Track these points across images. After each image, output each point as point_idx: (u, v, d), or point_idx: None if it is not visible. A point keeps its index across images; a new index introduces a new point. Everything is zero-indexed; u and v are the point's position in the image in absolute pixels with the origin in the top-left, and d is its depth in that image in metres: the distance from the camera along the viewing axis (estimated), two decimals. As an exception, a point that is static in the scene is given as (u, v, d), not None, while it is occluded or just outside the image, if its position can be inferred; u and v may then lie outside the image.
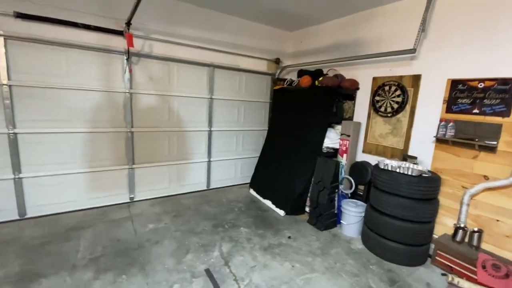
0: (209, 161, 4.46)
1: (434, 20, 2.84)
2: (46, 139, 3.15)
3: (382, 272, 2.59)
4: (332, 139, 3.70)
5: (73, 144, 3.31)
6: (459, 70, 2.68)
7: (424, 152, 3.00)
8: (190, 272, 2.41)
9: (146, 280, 2.28)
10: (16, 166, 3.03)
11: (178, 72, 3.90)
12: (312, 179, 3.60)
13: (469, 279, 2.41)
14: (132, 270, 2.39)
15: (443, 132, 2.74)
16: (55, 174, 3.26)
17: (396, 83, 3.22)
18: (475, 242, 2.55)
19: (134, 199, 3.86)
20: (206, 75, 4.16)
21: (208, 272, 2.42)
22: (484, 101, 2.50)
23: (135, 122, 3.68)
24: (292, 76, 4.62)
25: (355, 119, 3.79)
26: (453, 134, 2.69)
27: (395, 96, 3.23)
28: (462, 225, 2.65)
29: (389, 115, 3.32)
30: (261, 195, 4.23)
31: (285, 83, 4.39)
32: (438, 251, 2.69)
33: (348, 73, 3.82)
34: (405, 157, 3.08)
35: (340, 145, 3.70)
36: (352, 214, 3.19)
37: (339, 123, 3.77)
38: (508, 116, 2.37)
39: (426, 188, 2.59)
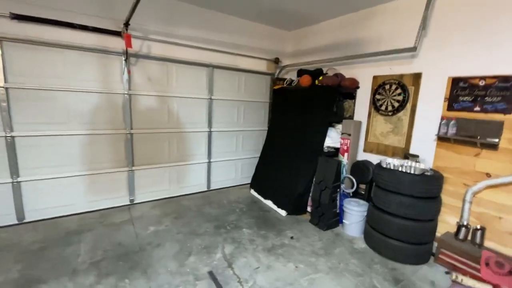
0: (209, 162, 4.43)
1: (435, 18, 2.84)
2: (44, 142, 3.11)
3: (386, 271, 2.59)
4: (333, 138, 3.69)
5: (71, 146, 3.27)
6: (460, 68, 2.68)
7: (425, 151, 2.99)
8: (193, 275, 2.38)
9: (149, 283, 2.25)
10: (14, 169, 2.98)
11: (177, 72, 3.87)
12: (314, 179, 3.59)
13: (473, 276, 2.40)
14: (134, 273, 2.36)
15: (445, 130, 2.74)
16: (53, 178, 3.21)
17: (397, 82, 3.21)
18: (478, 240, 2.55)
19: (134, 202, 3.82)
20: (206, 76, 4.13)
21: (211, 274, 2.40)
22: (486, 98, 2.50)
23: (134, 123, 3.64)
24: (292, 75, 4.61)
25: (356, 118, 3.79)
26: (454, 132, 2.69)
27: (396, 95, 3.23)
28: (464, 223, 2.65)
29: (390, 113, 3.32)
30: (262, 196, 4.22)
31: (285, 82, 4.37)
32: (441, 249, 2.69)
33: (347, 72, 3.81)
34: (406, 155, 3.08)
35: (341, 144, 3.69)
36: (354, 213, 3.18)
37: (339, 122, 3.76)
38: (510, 113, 2.37)
39: (429, 187, 2.59)
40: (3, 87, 2.80)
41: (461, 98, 2.67)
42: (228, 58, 4.27)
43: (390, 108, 3.30)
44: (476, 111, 2.57)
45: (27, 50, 2.88)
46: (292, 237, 3.12)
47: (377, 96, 3.45)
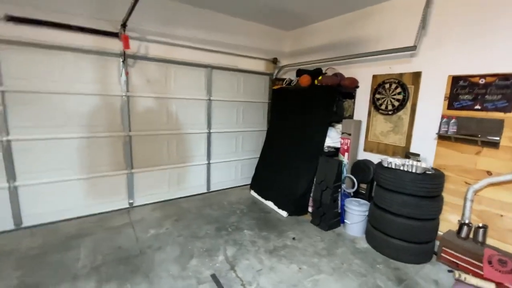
0: (208, 163, 4.40)
1: (434, 17, 2.84)
2: (41, 146, 3.06)
3: (389, 271, 2.58)
4: (333, 138, 3.68)
5: (69, 150, 3.22)
6: (460, 66, 2.69)
7: (426, 149, 3.00)
8: (196, 278, 2.36)
9: (151, 288, 2.22)
10: (10, 174, 2.93)
11: (175, 73, 3.84)
12: (314, 179, 3.58)
13: (476, 275, 2.41)
14: (136, 278, 2.33)
15: (446, 129, 2.75)
16: (51, 181, 3.16)
17: (397, 81, 3.22)
18: (480, 238, 2.55)
19: (134, 205, 3.78)
20: (204, 77, 4.10)
21: (214, 277, 2.37)
22: (486, 97, 2.51)
23: (133, 125, 3.60)
24: (291, 75, 4.60)
25: (355, 117, 3.79)
26: (455, 130, 2.69)
27: (396, 94, 3.23)
28: (466, 221, 2.65)
29: (390, 112, 3.32)
30: (262, 197, 4.20)
31: (284, 83, 4.36)
32: (444, 248, 2.69)
33: (347, 71, 3.81)
34: (407, 154, 3.08)
35: (341, 144, 3.68)
36: (356, 213, 3.18)
37: (339, 122, 3.75)
38: (510, 111, 2.38)
39: (431, 185, 2.59)
40: (-2, 90, 2.75)
41: (461, 97, 2.68)
42: (226, 58, 4.25)
43: (390, 107, 3.31)
44: (477, 110, 2.58)
45: (23, 52, 2.83)
46: (294, 238, 3.10)
47: (377, 96, 3.45)
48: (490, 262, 2.37)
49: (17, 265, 2.44)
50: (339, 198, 3.43)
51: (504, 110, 2.41)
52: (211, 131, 4.31)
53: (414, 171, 2.65)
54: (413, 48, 2.82)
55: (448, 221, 2.85)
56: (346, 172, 3.59)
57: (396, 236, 2.72)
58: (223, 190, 4.62)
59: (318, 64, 4.06)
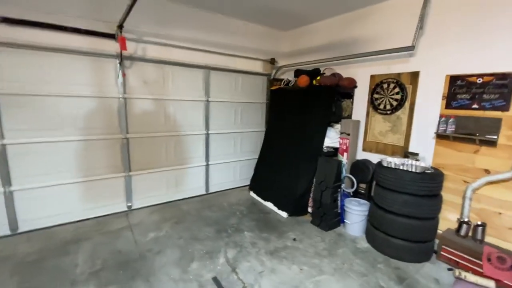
0: (207, 165, 4.37)
1: (431, 16, 2.86)
2: (37, 149, 3.00)
3: (390, 270, 2.59)
4: (332, 138, 3.69)
5: (65, 153, 3.17)
6: (458, 66, 2.71)
7: (425, 149, 3.02)
8: (197, 281, 2.33)
9: (152, 292, 2.20)
10: (5, 178, 2.87)
11: (173, 75, 3.80)
12: (314, 179, 3.58)
13: (475, 272, 2.43)
14: (136, 283, 2.30)
15: (444, 128, 2.77)
16: (47, 186, 3.11)
17: (395, 81, 3.23)
18: (479, 236, 2.57)
19: (132, 208, 3.74)
20: (202, 78, 4.08)
21: (215, 280, 2.36)
22: (483, 96, 2.53)
23: (130, 127, 3.56)
24: (288, 76, 4.59)
25: (354, 117, 3.80)
26: (453, 129, 2.72)
27: (394, 94, 3.24)
28: (465, 220, 2.67)
29: (388, 112, 3.33)
30: (262, 197, 4.18)
31: (282, 83, 4.35)
32: (443, 246, 2.71)
33: (345, 71, 3.82)
34: (406, 154, 3.10)
35: (340, 144, 3.69)
36: (356, 213, 3.18)
37: (338, 122, 3.76)
38: (508, 110, 2.40)
39: (430, 184, 2.60)
40: (-8, 93, 2.70)
41: (459, 96, 2.70)
42: (224, 59, 4.23)
43: (388, 107, 3.32)
44: (474, 109, 2.60)
45: (17, 54, 2.78)
46: (294, 239, 3.09)
47: (375, 95, 3.46)
48: (489, 260, 2.39)
49: (14, 271, 2.39)
50: (339, 198, 3.44)
51: (501, 109, 2.43)
52: (209, 132, 4.29)
53: (413, 170, 2.66)
54: (411, 48, 2.83)
55: (448, 219, 2.87)
56: (345, 172, 3.59)
57: (396, 235, 2.73)
58: (222, 192, 4.60)
59: (316, 64, 4.06)
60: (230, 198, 4.33)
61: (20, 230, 3.02)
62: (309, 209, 3.69)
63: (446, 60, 2.79)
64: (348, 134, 3.61)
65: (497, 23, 2.44)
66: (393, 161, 2.84)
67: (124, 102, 3.45)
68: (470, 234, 2.65)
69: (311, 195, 3.65)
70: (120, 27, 3.13)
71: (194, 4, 3.69)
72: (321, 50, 4.20)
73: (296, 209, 3.66)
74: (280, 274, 2.47)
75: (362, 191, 3.59)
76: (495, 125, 2.47)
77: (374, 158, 3.49)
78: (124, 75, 3.37)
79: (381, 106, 3.41)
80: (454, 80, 2.72)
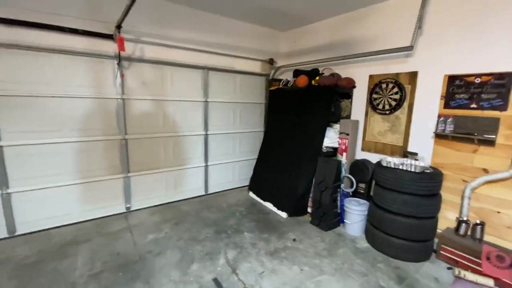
0: (206, 166, 4.36)
1: (430, 16, 2.87)
2: (35, 151, 2.98)
3: (390, 270, 2.59)
4: (331, 138, 3.69)
5: (64, 154, 3.15)
6: (456, 66, 2.72)
7: (423, 148, 3.03)
8: (198, 283, 2.32)
9: (152, 294, 2.18)
10: (3, 181, 2.84)
11: (171, 75, 3.79)
12: (313, 179, 3.58)
13: (474, 271, 2.44)
14: (136, 285, 2.28)
15: (443, 128, 2.78)
16: (45, 187, 3.08)
17: (393, 81, 3.24)
18: (478, 235, 2.59)
19: (131, 209, 3.72)
20: (201, 78, 4.07)
21: (216, 281, 2.35)
22: (482, 95, 2.55)
23: (129, 129, 3.55)
24: (287, 76, 4.59)
25: (353, 117, 3.81)
26: (452, 129, 2.73)
27: (393, 94, 3.25)
28: (464, 219, 2.69)
29: (387, 112, 3.34)
30: (261, 198, 4.18)
31: (281, 83, 4.35)
32: (443, 245, 2.72)
33: (343, 71, 3.82)
34: (405, 153, 3.11)
35: (339, 144, 3.70)
36: (356, 213, 3.19)
37: (337, 122, 3.76)
38: (506, 109, 2.42)
39: (430, 184, 2.61)
40: (-11, 94, 2.67)
41: (457, 96, 2.71)
42: (222, 59, 4.22)
43: (387, 107, 3.33)
44: (473, 108, 2.62)
45: (14, 55, 2.75)
46: (294, 239, 3.09)
47: (374, 95, 3.47)
48: (488, 258, 2.41)
49: (12, 274, 2.37)
50: (339, 198, 3.44)
51: (499, 108, 2.45)
52: (208, 133, 4.27)
53: (413, 170, 2.67)
54: (410, 48, 2.84)
55: (447, 218, 2.88)
56: (344, 172, 3.60)
57: (396, 235, 2.74)
58: (221, 192, 4.59)
59: (314, 65, 4.06)
60: (229, 198, 4.32)
61: (18, 233, 3.00)
62: (309, 209, 3.69)
63: (445, 60, 2.80)
64: (347, 134, 3.61)
65: (495, 23, 2.45)
66: (393, 160, 2.85)
67: (122, 103, 3.43)
68: (469, 233, 2.67)
69: (310, 195, 3.65)
70: (118, 27, 3.11)
71: (192, 5, 3.68)
72: (319, 50, 4.21)
73: (296, 209, 3.66)
74: (281, 275, 2.47)
75: (361, 191, 3.61)
76: (493, 125, 2.49)
77: (373, 158, 3.51)
78: (122, 76, 3.35)
79: (380, 106, 3.42)
80: (452, 80, 2.74)
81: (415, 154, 3.03)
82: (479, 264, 2.44)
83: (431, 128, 2.93)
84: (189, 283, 2.32)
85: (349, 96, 3.80)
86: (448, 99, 2.78)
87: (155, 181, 3.89)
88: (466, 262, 2.54)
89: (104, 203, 3.50)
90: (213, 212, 3.77)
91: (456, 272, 2.45)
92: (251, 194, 4.42)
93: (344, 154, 3.65)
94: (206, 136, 4.27)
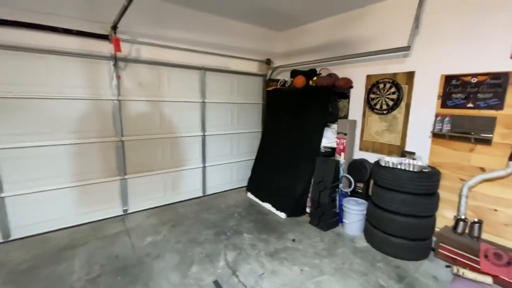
0: (204, 167, 4.34)
1: (426, 17, 2.90)
2: (29, 154, 2.92)
3: (390, 269, 2.60)
4: (329, 138, 3.70)
5: (59, 157, 3.10)
6: (452, 65, 2.75)
7: (421, 148, 3.05)
8: (198, 286, 2.30)
9: (151, 298, 2.16)
10: (-4, 184, 2.79)
11: (168, 76, 3.76)
12: (312, 180, 3.58)
13: (473, 269, 2.47)
14: (135, 288, 2.25)
15: (440, 127, 2.80)
16: (40, 191, 3.03)
17: (391, 81, 3.26)
18: (475, 233, 2.61)
19: (128, 211, 3.68)
20: (198, 79, 4.04)
21: (216, 283, 2.33)
22: (478, 95, 2.57)
23: (125, 130, 3.50)
24: (284, 76, 4.59)
25: (350, 117, 3.82)
26: (449, 128, 2.75)
27: (390, 93, 3.27)
28: (462, 217, 2.71)
29: (384, 112, 3.36)
30: (259, 198, 4.17)
31: (279, 84, 4.35)
32: (441, 244, 2.74)
33: (341, 71, 3.84)
34: (403, 153, 3.13)
35: (337, 144, 3.71)
36: (354, 212, 3.20)
37: (334, 122, 3.77)
38: (502, 109, 2.45)
39: (428, 183, 2.63)
40: (-18, 96, 2.61)
41: (454, 95, 2.74)
42: (219, 60, 4.20)
43: (384, 106, 3.35)
44: (469, 108, 2.64)
45: (7, 56, 2.69)
46: (294, 240, 3.09)
47: (371, 95, 3.49)
48: (486, 256, 2.43)
49: (7, 279, 2.32)
50: (337, 198, 3.45)
51: (496, 108, 2.47)
52: (206, 133, 4.25)
53: (411, 169, 2.68)
54: (407, 48, 2.86)
55: (445, 217, 2.91)
56: (342, 172, 3.61)
57: (395, 234, 2.75)
58: (219, 193, 4.57)
59: (311, 65, 4.06)
60: (228, 199, 4.30)
61: (12, 237, 2.94)
62: (307, 210, 3.69)
63: (441, 60, 2.82)
64: (345, 134, 3.62)
65: (491, 23, 2.48)
66: (391, 160, 2.86)
67: (118, 104, 3.39)
68: (466, 231, 2.69)
69: (309, 195, 3.65)
70: (114, 28, 3.07)
71: (189, 5, 3.66)
72: (317, 50, 4.22)
73: (294, 209, 3.66)
74: (281, 276, 2.46)
75: (360, 191, 3.62)
76: (489, 124, 2.52)
77: (371, 157, 3.52)
78: (119, 77, 3.31)
79: (378, 106, 3.43)
80: (449, 80, 2.76)
81: (413, 153, 3.05)
82: (477, 262, 2.46)
83: (429, 127, 2.95)
84: (189, 286, 2.30)
85: (346, 96, 3.81)
86: (445, 99, 2.81)
87: (152, 183, 3.86)
88: (464, 260, 2.56)
89: (100, 206, 3.46)
90: (212, 214, 3.75)
91: (455, 270, 2.47)
92: (249, 195, 4.41)
93: (342, 154, 3.66)
94: (203, 137, 4.24)
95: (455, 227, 2.74)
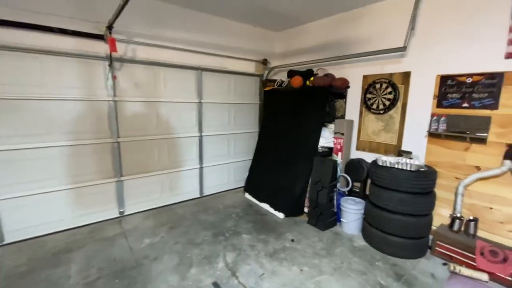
0: (201, 167, 4.31)
1: (422, 18, 2.93)
2: (23, 156, 2.86)
3: (388, 267, 2.63)
4: (326, 138, 3.71)
5: (53, 159, 3.04)
6: (448, 66, 2.79)
7: (417, 147, 3.09)
8: (197, 287, 2.29)
9: (151, 301, 2.13)
10: (-11, 187, 2.73)
11: (164, 76, 3.72)
12: (310, 179, 3.59)
13: (469, 266, 2.51)
14: (134, 291, 2.23)
15: (436, 127, 2.84)
16: (35, 194, 2.97)
17: (387, 81, 3.29)
18: (471, 230, 2.65)
19: (125, 213, 3.63)
20: (194, 79, 4.02)
21: (216, 285, 2.32)
22: (473, 95, 2.61)
23: (121, 131, 3.46)
24: (281, 76, 4.59)
25: (347, 117, 3.84)
26: (445, 128, 2.79)
27: (387, 93, 3.30)
28: (458, 215, 2.75)
29: (381, 112, 3.39)
30: (257, 199, 4.16)
31: (276, 84, 4.35)
32: (438, 242, 2.77)
33: (337, 72, 3.85)
34: (400, 152, 3.16)
35: (334, 143, 3.72)
36: (352, 211, 3.22)
37: (331, 122, 3.79)
38: (497, 108, 2.49)
39: (425, 182, 2.66)
40: (-27, 97, 2.55)
41: (449, 95, 2.78)
42: (216, 60, 4.18)
43: (381, 106, 3.38)
44: (465, 107, 2.68)
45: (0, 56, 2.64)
46: (292, 240, 3.09)
47: (368, 95, 3.51)
48: (482, 254, 2.47)
49: (2, 284, 2.27)
50: (335, 197, 3.47)
51: (490, 107, 2.51)
52: (203, 134, 4.23)
53: (408, 168, 2.71)
54: (403, 49, 2.89)
55: (441, 215, 2.95)
56: (340, 171, 3.63)
57: (392, 232, 2.77)
58: (217, 194, 4.55)
59: (308, 65, 4.07)
60: (225, 200, 4.29)
61: (6, 241, 2.87)
62: (305, 209, 3.70)
63: (436, 60, 2.86)
64: (342, 134, 3.64)
65: (486, 24, 2.52)
66: (388, 159, 2.88)
67: (114, 105, 3.35)
68: (462, 229, 2.73)
69: (307, 195, 3.66)
70: (110, 28, 3.03)
71: (186, 4, 3.63)
72: (313, 50, 4.23)
73: (292, 209, 3.67)
74: (281, 276, 2.46)
75: (357, 190, 3.64)
76: (484, 123, 2.56)
77: (368, 157, 3.55)
78: (114, 78, 3.27)
79: (374, 106, 3.46)
80: (444, 80, 2.80)
81: (410, 152, 3.08)
82: (473, 259, 2.50)
83: (425, 127, 2.99)
84: (189, 288, 2.29)
85: (343, 96, 3.83)
86: (441, 99, 2.84)
87: (149, 185, 3.82)
88: (460, 258, 2.60)
89: (96, 208, 3.41)
90: (210, 215, 3.73)
91: (451, 268, 2.51)
92: (247, 195, 4.40)
93: (339, 153, 3.68)
94: (200, 138, 4.22)
95: (451, 225, 2.77)
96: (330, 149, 3.78)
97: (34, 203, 2.98)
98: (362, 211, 3.20)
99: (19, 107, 2.79)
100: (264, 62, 4.75)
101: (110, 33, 3.07)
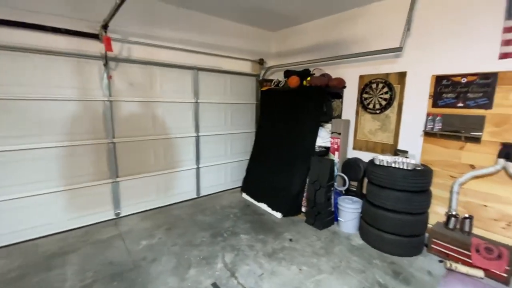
0: (197, 168, 4.28)
1: (417, 18, 2.97)
2: (16, 158, 2.80)
3: (386, 265, 2.65)
4: (323, 138, 3.73)
5: (47, 160, 2.98)
6: (443, 66, 2.83)
7: (413, 146, 3.12)
8: (197, 289, 2.27)
9: (150, 303, 2.11)
10: (-19, 190, 2.65)
11: (160, 76, 3.69)
12: (307, 179, 3.60)
13: (465, 263, 2.55)
14: (132, 294, 2.20)
15: (431, 126, 2.88)
16: (28, 196, 2.91)
17: (383, 81, 3.32)
18: (467, 228, 2.70)
19: (121, 215, 3.58)
20: (190, 79, 3.99)
21: (215, 286, 2.30)
22: (468, 95, 2.66)
23: (117, 132, 3.41)
24: (278, 76, 4.60)
25: (344, 117, 3.86)
26: (440, 127, 2.83)
27: (383, 93, 3.33)
28: (453, 213, 2.79)
29: (377, 111, 3.42)
30: (255, 199, 4.16)
31: (272, 84, 4.35)
32: (434, 239, 2.81)
33: (334, 72, 3.88)
34: (396, 151, 3.19)
35: (331, 143, 3.74)
36: (349, 210, 3.24)
37: (328, 121, 3.81)
38: (491, 108, 2.54)
39: (421, 181, 2.70)
40: (-36, 97, 2.48)
41: (445, 95, 2.82)
42: (212, 60, 4.16)
43: (377, 106, 3.41)
44: (460, 107, 2.73)
45: (-9, 55, 2.58)
46: (291, 239, 3.10)
47: (365, 95, 3.54)
48: (477, 251, 2.51)
49: (-5, 290, 2.21)
50: (332, 196, 3.48)
51: (485, 107, 2.56)
52: (199, 134, 4.20)
53: (405, 167, 2.74)
54: (399, 49, 2.92)
55: (437, 213, 2.99)
56: (337, 171, 3.65)
57: (390, 231, 2.80)
58: (214, 194, 4.53)
59: (305, 65, 4.09)
60: (222, 200, 4.27)
61: (-2, 245, 2.81)
62: (303, 209, 3.71)
63: (432, 60, 2.90)
64: (339, 134, 3.67)
65: (480, 24, 2.56)
66: (385, 159, 2.91)
67: (110, 105, 3.30)
68: (458, 226, 2.78)
69: (304, 194, 3.67)
70: (105, 26, 2.98)
71: (182, 4, 3.60)
72: (310, 50, 4.24)
73: (290, 209, 3.67)
74: (281, 276, 2.46)
75: (354, 189, 3.67)
76: (479, 123, 2.60)
77: (365, 156, 3.58)
78: (110, 77, 3.22)
79: (370, 106, 3.49)
80: (440, 80, 2.84)
81: (406, 152, 3.12)
82: (468, 256, 2.54)
83: (420, 126, 3.03)
84: (188, 289, 2.27)
85: (339, 96, 3.86)
86: (436, 98, 2.88)
87: (145, 185, 3.77)
88: (456, 255, 2.64)
89: (92, 210, 3.35)
90: (207, 215, 3.71)
91: (448, 265, 2.55)
92: (244, 196, 4.39)
93: (336, 153, 3.70)
94: (197, 138, 4.19)
95: (447, 223, 2.82)
96: (327, 148, 3.80)
97: (27, 205, 2.92)
98: (359, 210, 3.23)
99: (12, 107, 2.72)
100: (261, 62, 4.74)
101: (106, 32, 3.02)
